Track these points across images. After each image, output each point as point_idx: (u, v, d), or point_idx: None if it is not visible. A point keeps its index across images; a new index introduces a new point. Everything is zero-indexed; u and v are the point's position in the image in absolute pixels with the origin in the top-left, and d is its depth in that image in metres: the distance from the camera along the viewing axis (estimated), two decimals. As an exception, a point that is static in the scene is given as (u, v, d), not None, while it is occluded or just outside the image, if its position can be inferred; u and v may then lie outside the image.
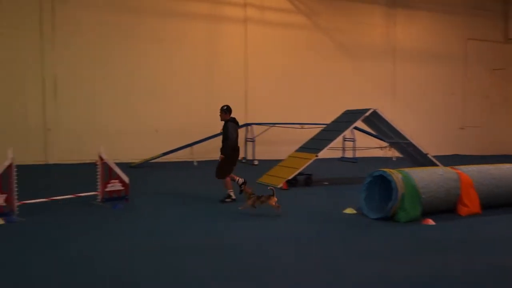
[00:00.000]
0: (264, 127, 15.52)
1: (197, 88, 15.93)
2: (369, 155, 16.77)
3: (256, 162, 14.86)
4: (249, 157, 15.35)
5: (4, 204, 6.56)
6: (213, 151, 15.89)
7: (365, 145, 16.61)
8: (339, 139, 11.32)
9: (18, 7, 13.67)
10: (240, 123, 15.47)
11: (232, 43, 16.40)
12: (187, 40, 15.75)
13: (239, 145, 8.64)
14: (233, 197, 8.39)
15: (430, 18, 19.60)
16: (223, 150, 8.34)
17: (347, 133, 11.58)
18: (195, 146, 14.79)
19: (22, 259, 4.94)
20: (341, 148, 16.64)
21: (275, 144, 16.30)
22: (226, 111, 8.75)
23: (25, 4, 13.72)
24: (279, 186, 9.86)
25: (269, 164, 12.19)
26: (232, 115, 8.65)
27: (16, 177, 6.68)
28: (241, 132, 15.54)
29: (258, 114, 16.37)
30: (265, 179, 10.70)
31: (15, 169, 6.70)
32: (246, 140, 15.65)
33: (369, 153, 16.48)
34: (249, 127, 15.48)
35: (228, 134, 8.29)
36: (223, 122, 8.63)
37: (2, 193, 6.53)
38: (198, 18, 15.88)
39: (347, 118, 11.37)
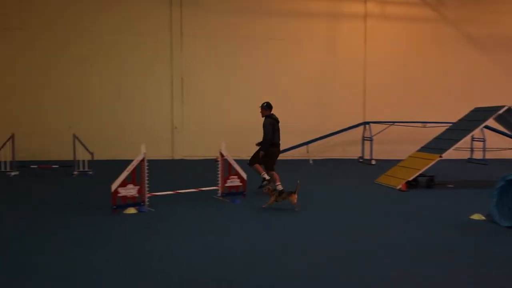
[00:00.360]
0: (383, 126, 14.97)
1: (314, 86, 15.94)
2: (501, 157, 15.27)
3: (373, 162, 14.41)
4: (366, 156, 14.93)
5: (137, 195, 7.22)
6: (329, 149, 15.87)
7: (497, 145, 15.17)
8: (467, 139, 10.46)
9: (151, 15, 14.93)
10: (358, 122, 15.30)
11: (351, 40, 16.09)
12: (305, 39, 15.83)
13: (280, 141, 9.26)
14: (267, 177, 8.72)
15: None
16: (262, 147, 8.88)
17: (476, 132, 10.66)
18: (311, 145, 14.82)
19: (149, 245, 5.38)
20: (469, 149, 15.40)
21: (395, 144, 15.65)
22: (266, 107, 9.29)
23: (157, 12, 14.93)
24: (398, 188, 9.45)
25: (387, 164, 11.74)
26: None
27: (147, 171, 7.31)
28: (358, 130, 15.29)
29: (377, 112, 15.85)
30: (383, 179, 10.33)
31: (147, 164, 7.32)
32: (364, 139, 15.24)
33: (501, 154, 15.02)
34: (367, 125, 15.06)
35: (264, 130, 8.87)
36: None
37: (135, 185, 7.19)
38: (317, 17, 15.85)
39: (477, 116, 10.48)
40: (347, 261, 4.94)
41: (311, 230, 6.28)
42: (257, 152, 8.91)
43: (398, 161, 10.95)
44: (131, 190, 7.16)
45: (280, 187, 8.56)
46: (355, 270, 4.67)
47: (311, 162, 14.47)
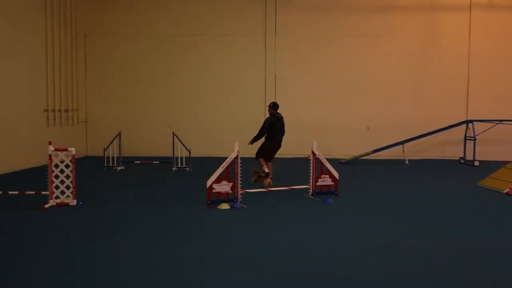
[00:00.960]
0: (488, 125, 13.89)
1: (411, 82, 15.23)
2: None
3: (476, 163, 13.41)
4: (469, 157, 13.95)
5: (230, 191, 7.46)
6: (427, 149, 15.08)
7: None
8: None
9: (245, 15, 15.26)
10: (459, 120, 14.35)
11: (453, 33, 15.08)
12: (401, 33, 15.17)
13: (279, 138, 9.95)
14: (266, 171, 9.52)
15: None
16: (253, 139, 10.07)
17: None
18: (407, 144, 14.18)
19: (245, 239, 5.53)
20: None
21: (501, 144, 14.46)
22: (272, 107, 10.11)
23: (251, 12, 15.23)
24: (505, 191, 8.73)
25: (492, 166, 10.90)
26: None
27: (240, 168, 7.51)
28: (460, 129, 14.33)
29: (481, 110, 14.72)
30: (487, 182, 9.60)
31: (240, 161, 7.52)
32: (466, 139, 14.25)
33: None
34: (469, 124, 14.06)
35: (262, 126, 9.93)
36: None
37: (229, 182, 7.43)
38: (414, 9, 15.13)
39: None
40: (466, 265, 4.68)
41: (408, 232, 6.03)
42: (262, 147, 9.93)
43: (505, 162, 10.11)
44: (225, 186, 7.42)
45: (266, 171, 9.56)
46: (476, 274, 4.41)
47: (407, 162, 13.86)
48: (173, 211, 7.13)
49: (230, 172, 7.45)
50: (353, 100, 15.25)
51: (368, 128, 15.24)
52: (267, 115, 15.16)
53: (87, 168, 11.93)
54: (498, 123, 13.81)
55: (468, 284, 4.26)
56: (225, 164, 7.39)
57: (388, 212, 7.22)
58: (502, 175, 9.44)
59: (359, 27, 15.14)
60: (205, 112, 15.42)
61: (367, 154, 14.19)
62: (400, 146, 14.13)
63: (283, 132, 10.02)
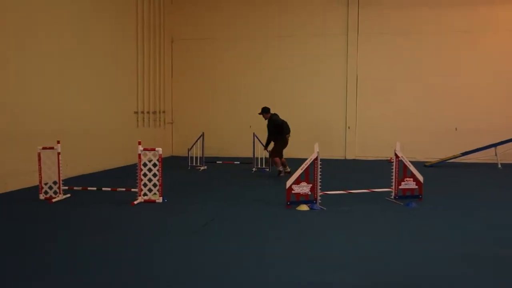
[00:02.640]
0: None
1: (505, 83, 14.18)
2: None
3: None
4: None
5: (309, 193, 7.44)
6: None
7: None
8: None
9: (328, 16, 15.12)
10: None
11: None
12: (498, 29, 14.15)
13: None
14: (288, 170, 10.86)
15: None
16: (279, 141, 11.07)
17: None
18: (500, 147, 13.21)
19: (325, 242, 5.50)
20: None
21: None
22: (268, 111, 11.22)
23: (334, 13, 15.06)
24: None
25: None
26: None
27: (320, 170, 7.46)
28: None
29: None
30: None
31: (320, 162, 7.48)
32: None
33: None
34: None
35: (278, 125, 11.01)
36: None
37: (308, 183, 7.42)
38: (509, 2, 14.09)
39: None
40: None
41: (495, 241, 5.64)
42: (277, 147, 10.92)
43: None
44: (304, 188, 7.41)
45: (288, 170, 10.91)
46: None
47: (499, 166, 12.91)
48: (253, 211, 7.26)
49: (310, 174, 7.44)
50: (441, 99, 14.54)
51: (456, 129, 14.43)
52: (349, 115, 15.09)
53: (172, 167, 12.49)
54: None
55: None
56: (304, 165, 7.39)
57: (476, 220, 6.79)
58: None
59: (451, 23, 14.38)
60: (285, 113, 15.45)
61: (455, 157, 13.43)
62: (492, 148, 13.21)
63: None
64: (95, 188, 8.29)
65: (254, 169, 11.97)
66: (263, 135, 12.63)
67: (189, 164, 12.36)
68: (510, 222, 6.61)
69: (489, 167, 13.00)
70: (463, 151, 13.44)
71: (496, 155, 13.14)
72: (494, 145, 13.17)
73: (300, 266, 4.67)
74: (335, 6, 15.06)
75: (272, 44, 15.47)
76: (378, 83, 14.93)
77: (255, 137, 12.01)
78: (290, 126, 11.01)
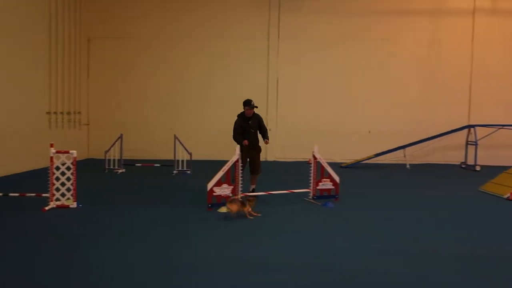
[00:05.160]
0: (490, 129, 13.87)
1: (414, 88, 15.22)
2: None
3: (478, 168, 13.40)
4: (470, 162, 13.94)
5: (231, 195, 7.45)
6: (428, 154, 15.05)
7: None
8: None
9: (250, 21, 15.28)
10: (461, 125, 14.36)
11: (457, 38, 15.05)
12: (405, 37, 15.15)
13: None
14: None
15: None
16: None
17: None
18: (409, 149, 14.17)
19: (234, 245, 5.53)
20: None
21: (503, 149, 14.44)
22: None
23: (255, 17, 15.25)
24: (506, 196, 8.71)
25: (493, 171, 10.88)
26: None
27: (241, 172, 7.51)
28: (461, 134, 14.33)
29: (483, 114, 14.71)
30: (489, 187, 9.58)
31: (241, 164, 7.52)
32: (467, 143, 14.24)
33: None
34: (471, 129, 14.05)
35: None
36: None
37: (229, 185, 7.44)
38: (419, 14, 15.11)
39: None
40: (467, 273, 4.67)
41: (408, 237, 6.02)
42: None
43: (507, 167, 10.09)
44: (225, 190, 7.42)
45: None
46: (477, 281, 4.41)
47: (408, 167, 13.84)
48: (174, 214, 7.14)
49: (231, 176, 7.47)
50: (355, 104, 15.25)
51: (369, 132, 15.23)
52: (270, 118, 15.36)
53: (88, 170, 11.94)
54: (500, 128, 13.79)
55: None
56: (225, 167, 7.40)
57: (388, 217, 7.21)
58: (503, 180, 9.42)
59: (364, 31, 15.13)
60: (206, 115, 15.42)
61: (369, 158, 14.18)
62: (402, 150, 14.14)
63: None
64: (0, 194, 7.70)
65: (175, 171, 11.78)
66: (185, 137, 12.49)
67: (107, 167, 11.88)
68: (417, 219, 7.09)
69: (399, 167, 13.86)
70: (376, 152, 14.22)
71: (405, 156, 14.08)
72: (403, 147, 14.11)
73: (223, 268, 4.66)
74: (257, 10, 15.26)
75: (193, 45, 15.32)
76: (298, 87, 15.34)
77: (176, 139, 11.82)
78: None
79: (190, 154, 11.65)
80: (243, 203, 6.93)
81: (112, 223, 6.54)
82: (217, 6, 15.28)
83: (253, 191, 8.33)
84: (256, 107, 8.57)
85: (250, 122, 8.49)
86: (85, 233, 5.99)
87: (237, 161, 7.48)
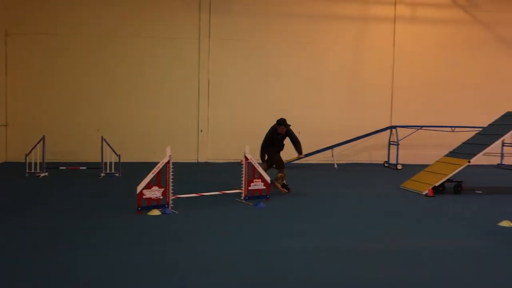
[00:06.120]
0: (410, 130, 14.74)
1: (341, 89, 15.80)
2: (533, 163, 14.80)
3: (399, 167, 14.19)
4: (392, 161, 14.73)
5: (161, 197, 7.32)
6: (355, 154, 15.70)
7: (529, 151, 14.72)
8: (497, 144, 10.20)
9: (179, 19, 15.08)
10: (384, 126, 15.15)
11: (380, 43, 15.85)
12: (333, 42, 15.69)
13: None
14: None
15: None
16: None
17: (507, 137, 10.38)
18: (336, 149, 14.71)
19: (170, 247, 5.45)
20: (499, 154, 15.00)
21: (421, 148, 15.39)
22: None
23: (185, 16, 15.08)
24: (424, 193, 9.29)
25: (413, 169, 11.55)
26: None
27: (172, 173, 7.39)
28: (385, 135, 15.12)
29: (404, 116, 15.62)
30: (408, 184, 10.17)
31: (172, 166, 7.41)
32: (390, 143, 15.04)
33: (534, 160, 14.55)
34: (393, 129, 14.86)
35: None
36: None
37: (160, 187, 7.30)
38: (345, 20, 15.71)
39: (508, 121, 10.21)
40: (383, 266, 4.89)
41: (336, 233, 6.24)
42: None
43: (425, 166, 10.77)
44: (156, 192, 7.27)
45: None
46: (390, 272, 4.62)
47: (335, 166, 14.36)
48: (101, 218, 6.87)
49: (162, 178, 7.32)
50: (285, 105, 15.54)
51: (299, 132, 15.53)
52: (202, 119, 15.27)
53: (7, 175, 11.20)
54: (419, 129, 14.69)
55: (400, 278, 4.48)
56: (156, 169, 7.25)
57: (317, 215, 7.43)
58: (422, 178, 10.04)
59: (293, 34, 15.48)
60: (136, 116, 15.02)
61: (298, 159, 14.49)
62: (330, 150, 14.64)
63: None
64: None
65: (102, 174, 11.35)
66: (113, 138, 12.06)
67: (27, 171, 11.18)
68: (345, 216, 7.37)
69: (328, 167, 14.34)
70: (306, 152, 14.58)
71: (332, 156, 14.59)
72: (331, 147, 14.62)
73: (154, 272, 4.56)
74: (187, 9, 15.11)
75: (121, 43, 14.86)
76: (229, 88, 15.39)
77: (103, 141, 11.39)
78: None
79: (119, 156, 11.29)
80: (272, 183, 9.04)
81: (32, 230, 6.17)
82: (145, 4, 14.92)
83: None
84: (289, 125, 9.89)
85: (280, 136, 9.87)
86: (1, 245, 5.61)
87: (168, 162, 7.35)
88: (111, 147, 11.25)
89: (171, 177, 7.39)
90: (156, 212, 7.13)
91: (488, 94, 16.01)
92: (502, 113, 10.81)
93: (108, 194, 8.95)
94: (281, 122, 9.75)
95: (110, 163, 11.41)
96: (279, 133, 9.78)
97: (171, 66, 15.12)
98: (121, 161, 11.42)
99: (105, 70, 14.86)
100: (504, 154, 15.06)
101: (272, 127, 9.94)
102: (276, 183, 9.44)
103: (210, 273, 4.58)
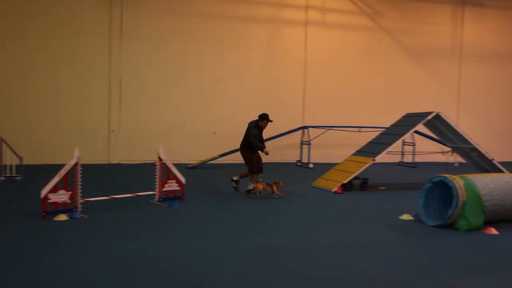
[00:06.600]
0: (321, 130, 15.37)
1: (254, 90, 16.05)
2: (429, 160, 16.13)
3: (311, 165, 14.74)
4: (304, 160, 15.26)
5: (69, 201, 6.93)
6: (269, 153, 16.00)
7: (426, 149, 16.02)
8: (398, 143, 10.98)
9: (90, 14, 14.40)
10: (297, 126, 15.65)
11: (292, 46, 16.35)
12: (247, 44, 15.90)
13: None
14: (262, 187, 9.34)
15: (500, 17, 18.55)
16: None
17: (407, 137, 11.21)
18: (251, 148, 14.90)
19: (80, 255, 5.19)
20: (400, 153, 16.16)
21: (332, 148, 16.10)
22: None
23: (96, 11, 14.43)
24: (333, 190, 9.73)
25: (324, 168, 12.04)
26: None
27: (81, 176, 7.03)
28: (298, 134, 15.63)
29: (315, 117, 16.26)
30: (320, 182, 10.60)
31: (80, 168, 7.04)
32: (302, 143, 15.57)
33: (429, 158, 15.86)
34: (305, 130, 15.40)
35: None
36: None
37: (67, 191, 6.90)
38: (259, 21, 15.98)
39: (408, 122, 11.02)
40: (297, 262, 5.02)
41: (249, 233, 6.32)
42: (253, 160, 9.58)
43: (335, 164, 11.27)
44: (62, 196, 6.86)
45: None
46: (302, 269, 4.76)
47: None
48: (2, 225, 6.35)
49: (69, 181, 6.93)
50: (200, 105, 15.48)
51: (215, 132, 15.60)
52: (113, 119, 14.67)
53: None
54: (329, 129, 15.37)
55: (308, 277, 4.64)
56: (62, 172, 6.84)
57: (229, 215, 7.48)
58: (332, 176, 10.51)
59: (207, 34, 15.45)
60: (42, 116, 14.10)
61: (214, 159, 14.51)
62: (245, 150, 14.78)
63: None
64: None
65: (1, 178, 10.49)
66: (14, 139, 11.21)
67: None
68: (258, 216, 7.49)
69: (243, 167, 14.42)
70: (221, 153, 14.63)
71: (247, 156, 14.76)
72: (246, 147, 14.78)
73: (53, 280, 4.30)
74: (97, 6, 14.45)
75: (27, 40, 13.87)
76: (143, 87, 14.98)
77: (2, 142, 10.53)
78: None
79: (21, 158, 10.51)
80: (269, 185, 8.95)
81: None
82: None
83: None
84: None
85: (260, 132, 9.69)
86: None
87: (76, 164, 6.97)
88: (11, 149, 10.44)
89: (79, 179, 7.03)
90: (62, 217, 6.74)
91: (391, 97, 17.17)
92: (403, 114, 11.63)
93: (8, 199, 8.31)
94: (266, 117, 9.65)
95: (11, 165, 10.60)
96: (260, 128, 9.67)
97: (80, 63, 14.40)
98: (24, 163, 10.65)
99: (5, 66, 13.77)
100: (404, 153, 16.26)
101: (253, 124, 9.67)
102: (273, 187, 9.04)
103: (115, 279, 4.42)
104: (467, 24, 18.16)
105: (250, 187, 9.44)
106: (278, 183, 9.10)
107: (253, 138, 9.41)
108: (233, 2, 15.73)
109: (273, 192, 8.98)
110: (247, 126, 9.74)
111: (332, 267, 4.93)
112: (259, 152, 9.59)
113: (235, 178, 9.62)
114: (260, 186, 8.99)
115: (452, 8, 18.06)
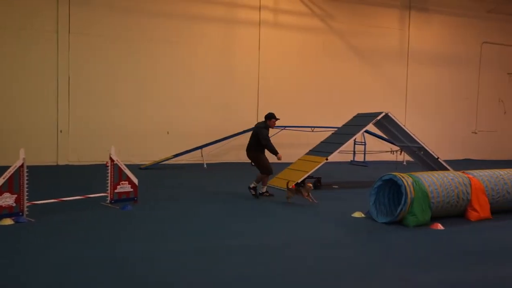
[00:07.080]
0: (275, 130, 15.49)
1: (209, 90, 15.97)
2: (379, 159, 16.65)
3: (266, 165, 14.83)
4: (260, 160, 15.34)
5: (14, 205, 6.63)
6: (224, 154, 16.00)
7: (376, 148, 16.53)
8: (350, 142, 11.26)
9: (36, 10, 13.82)
10: (251, 126, 15.63)
11: (246, 47, 16.39)
12: (201, 43, 15.79)
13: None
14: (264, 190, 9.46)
15: (445, 21, 19.41)
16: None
17: (358, 136, 11.51)
18: (205, 149, 14.83)
19: (28, 259, 4.98)
20: (351, 152, 16.57)
21: (286, 147, 16.19)
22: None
23: (43, 8, 13.87)
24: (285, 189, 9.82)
25: (279, 167, 12.14)
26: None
27: (27, 178, 6.75)
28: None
29: (269, 116, 16.37)
30: (274, 181, 10.68)
31: (27, 170, 6.76)
32: (257, 143, 15.65)
33: (379, 157, 16.37)
34: (259, 130, 15.49)
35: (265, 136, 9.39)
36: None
37: (12, 194, 6.60)
38: (213, 21, 15.91)
39: (358, 122, 11.31)
40: (236, 261, 5.02)
41: (203, 233, 6.28)
42: (264, 162, 9.41)
43: (289, 164, 11.40)
44: (7, 199, 6.56)
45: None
46: (258, 268, 4.77)
47: (205, 166, 14.48)
48: None
49: (15, 183, 6.63)
50: (152, 104, 15.23)
51: (168, 133, 15.40)
52: (61, 119, 14.14)
53: None
54: (283, 129, 15.52)
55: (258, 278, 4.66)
56: (7, 174, 6.54)
57: (184, 216, 7.41)
58: (286, 175, 10.63)
59: (161, 32, 15.21)
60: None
61: (167, 159, 14.32)
62: (199, 150, 14.71)
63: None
64: None
65: None
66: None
67: None
68: (211, 215, 7.47)
69: (197, 166, 14.39)
70: (175, 153, 14.47)
71: (202, 156, 14.70)
72: (201, 147, 14.71)
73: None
74: (43, 2, 13.90)
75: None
76: (93, 86, 14.55)
77: None
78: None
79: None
80: (299, 191, 8.38)
81: None
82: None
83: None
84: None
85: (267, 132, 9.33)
86: None
87: (21, 166, 6.68)
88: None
89: (25, 182, 6.74)
90: (8, 221, 6.44)
91: (342, 97, 17.58)
92: (354, 115, 11.94)
93: None
94: (272, 115, 9.39)
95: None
96: (270, 128, 9.44)
97: (27, 60, 13.80)
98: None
99: None
100: (356, 152, 16.70)
101: (262, 125, 9.47)
102: (305, 193, 8.38)
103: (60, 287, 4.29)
104: (414, 28, 18.89)
105: (264, 189, 9.32)
106: (309, 186, 8.49)
107: (265, 140, 9.22)
108: (185, 1, 15.56)
109: (307, 196, 8.38)
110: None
111: (282, 265, 4.98)
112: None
113: (252, 186, 9.28)
114: (291, 194, 8.57)
115: (400, 12, 18.73)
